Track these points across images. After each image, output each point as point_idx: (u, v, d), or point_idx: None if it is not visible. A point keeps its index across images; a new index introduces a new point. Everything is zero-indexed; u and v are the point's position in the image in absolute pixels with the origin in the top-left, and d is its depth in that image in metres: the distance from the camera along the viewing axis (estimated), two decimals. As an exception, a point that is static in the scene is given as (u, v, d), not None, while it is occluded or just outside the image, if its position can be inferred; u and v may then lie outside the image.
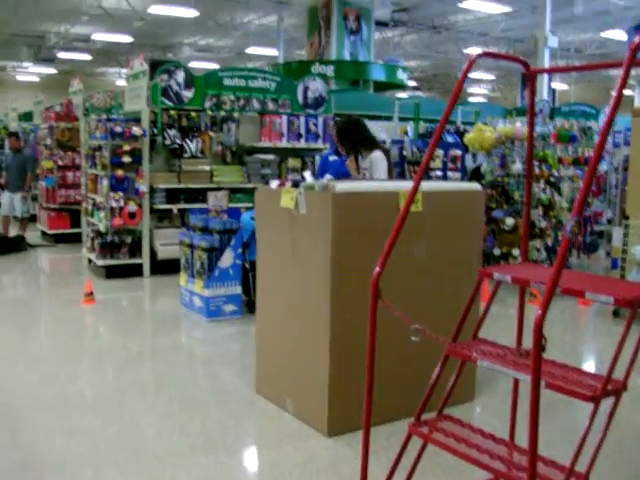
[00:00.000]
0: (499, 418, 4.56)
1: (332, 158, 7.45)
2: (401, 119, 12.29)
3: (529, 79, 3.37)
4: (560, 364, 2.90)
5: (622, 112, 8.78)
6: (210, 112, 9.75)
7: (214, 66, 26.12)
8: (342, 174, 6.38)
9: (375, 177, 5.76)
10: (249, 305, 7.36)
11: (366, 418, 3.10)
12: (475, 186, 5.07)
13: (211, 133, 9.68)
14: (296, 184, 4.49)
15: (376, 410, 4.35)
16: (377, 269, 2.87)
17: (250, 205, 8.79)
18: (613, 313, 7.66)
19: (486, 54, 3.05)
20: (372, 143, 6.08)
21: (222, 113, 9.79)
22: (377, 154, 5.95)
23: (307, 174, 4.50)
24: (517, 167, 9.34)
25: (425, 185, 4.81)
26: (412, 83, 31.96)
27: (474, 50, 24.40)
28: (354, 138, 5.99)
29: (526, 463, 2.60)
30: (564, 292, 2.81)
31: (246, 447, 4.47)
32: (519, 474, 2.67)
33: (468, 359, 2.86)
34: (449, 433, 2.99)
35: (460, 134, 10.68)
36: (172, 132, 9.48)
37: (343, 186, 4.26)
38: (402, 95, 21.74)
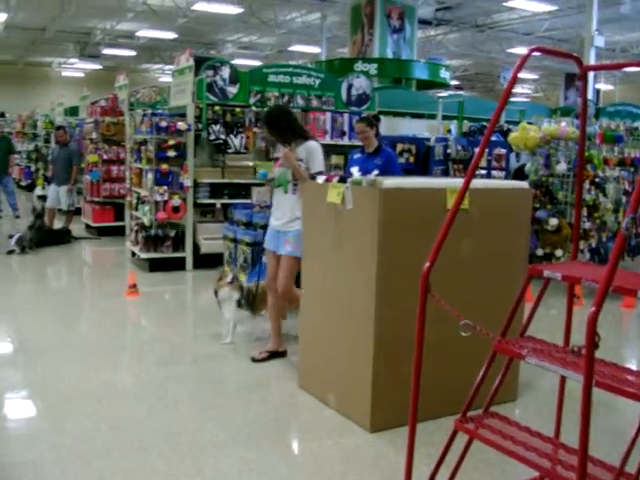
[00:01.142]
0: (542, 418, 4.53)
1: (356, 156, 7.44)
2: (444, 117, 12.24)
3: (582, 76, 3.34)
4: (609, 363, 2.87)
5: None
6: (254, 108, 9.80)
7: (256, 63, 26.23)
8: (364, 171, 6.31)
9: (314, 167, 5.52)
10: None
11: (412, 414, 3.10)
12: (522, 184, 5.05)
13: (255, 129, 9.73)
14: (343, 179, 4.50)
15: (419, 407, 4.37)
16: (427, 264, 2.87)
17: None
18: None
19: (539, 49, 3.03)
20: (303, 132, 5.79)
21: (266, 109, 9.81)
22: (314, 143, 5.68)
23: (354, 170, 4.50)
24: (562, 167, 9.25)
25: (472, 183, 4.77)
26: (454, 82, 31.76)
27: (518, 50, 24.18)
28: (283, 127, 5.63)
29: (574, 462, 2.59)
30: (615, 291, 2.77)
31: (288, 441, 4.49)
32: (568, 473, 2.65)
33: (517, 356, 2.84)
34: (495, 430, 2.98)
35: (504, 133, 10.60)
36: (216, 127, 9.56)
37: (390, 182, 4.26)
38: (443, 94, 21.61)
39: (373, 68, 16.44)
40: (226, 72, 9.66)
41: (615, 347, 6.96)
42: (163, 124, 9.24)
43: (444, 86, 20.00)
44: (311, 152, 5.60)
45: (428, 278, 2.86)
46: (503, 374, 3.12)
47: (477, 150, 7.59)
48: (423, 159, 8.00)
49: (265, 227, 7.17)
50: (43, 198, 14.84)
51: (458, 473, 3.30)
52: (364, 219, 4.30)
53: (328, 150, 10.06)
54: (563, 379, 3.41)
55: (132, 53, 29.50)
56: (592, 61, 17.45)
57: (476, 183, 4.69)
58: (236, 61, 26.47)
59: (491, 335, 2.85)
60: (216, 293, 6.26)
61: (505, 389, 4.88)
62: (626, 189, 10.12)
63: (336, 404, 4.77)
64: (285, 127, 5.63)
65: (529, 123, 10.14)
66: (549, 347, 2.98)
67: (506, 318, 3.09)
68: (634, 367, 2.73)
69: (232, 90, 9.72)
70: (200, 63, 9.82)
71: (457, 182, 4.51)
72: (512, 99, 30.58)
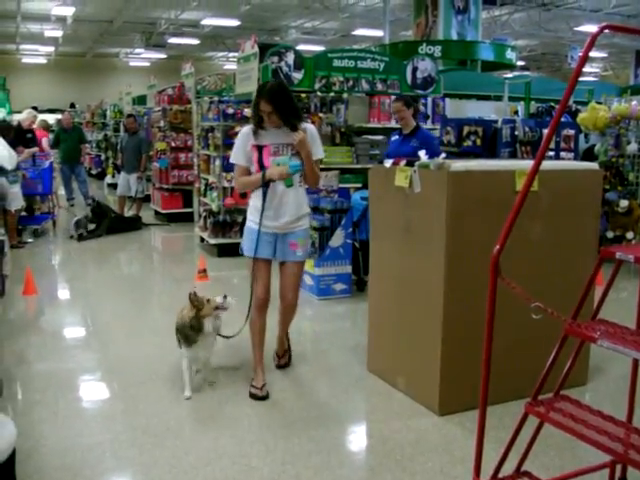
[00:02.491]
0: (612, 402, 4.48)
1: (394, 138, 7.37)
2: (510, 99, 12.06)
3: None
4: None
5: None
6: (319, 93, 9.81)
7: (320, 48, 26.20)
8: (397, 153, 6.17)
9: (317, 153, 4.81)
10: (358, 284, 7.43)
11: (482, 397, 3.11)
12: (592, 166, 4.97)
13: (321, 114, 9.73)
14: (410, 163, 4.50)
15: (488, 390, 4.37)
16: (497, 247, 2.86)
17: (359, 185, 8.82)
18: None
19: (610, 27, 2.97)
20: (301, 113, 4.93)
21: (331, 94, 9.84)
22: (312, 126, 4.96)
23: (422, 153, 4.49)
24: (632, 147, 9.07)
25: (542, 164, 4.74)
26: (520, 62, 31.22)
27: (587, 27, 23.62)
28: (290, 105, 4.67)
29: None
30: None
31: (357, 423, 4.54)
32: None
33: (589, 339, 2.82)
34: (567, 413, 2.97)
35: (572, 114, 10.40)
36: (282, 113, 9.59)
37: (458, 165, 4.26)
38: (509, 75, 21.25)
39: (437, 50, 16.25)
40: (291, 58, 9.70)
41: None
42: (230, 111, 9.35)
43: (510, 67, 19.66)
44: (314, 136, 4.83)
45: (498, 261, 2.86)
46: (574, 357, 3.11)
47: (545, 131, 7.47)
48: (490, 141, 7.90)
49: (332, 212, 7.24)
50: (113, 186, 15.16)
51: (528, 457, 3.30)
52: (432, 202, 4.30)
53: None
54: (636, 363, 3.37)
55: (196, 42, 29.77)
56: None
57: (545, 165, 4.63)
58: (300, 47, 26.43)
59: (562, 318, 2.84)
60: (193, 327, 4.78)
61: (575, 373, 4.81)
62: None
63: (405, 387, 4.79)
64: (292, 105, 4.69)
65: (598, 103, 9.94)
66: (622, 330, 2.95)
67: (578, 301, 3.07)
68: None
69: (297, 76, 9.75)
70: (264, 50, 9.87)
71: (526, 164, 4.47)
72: (580, 78, 30.00)
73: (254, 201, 4.82)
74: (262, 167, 4.67)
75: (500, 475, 3.18)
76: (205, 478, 3.73)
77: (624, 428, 2.93)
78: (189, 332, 4.74)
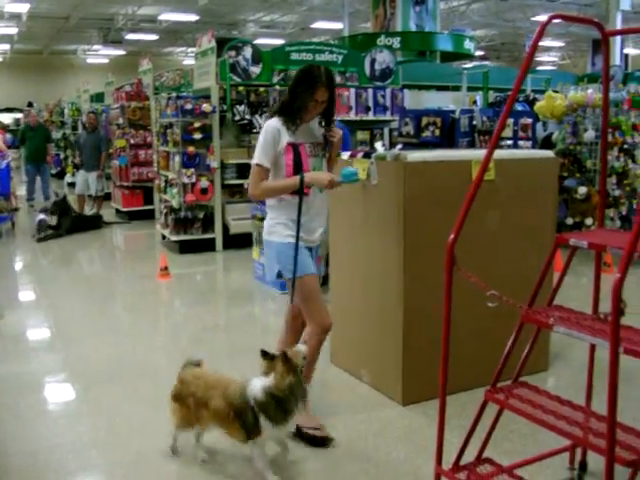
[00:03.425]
0: (573, 387, 4.53)
1: None
2: (469, 89, 12.14)
3: (603, 42, 3.31)
4: (638, 330, 2.86)
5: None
6: (278, 87, 9.79)
7: (279, 42, 26.12)
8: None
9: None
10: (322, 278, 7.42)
11: (442, 386, 3.13)
12: (548, 154, 5.02)
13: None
14: (368, 155, 4.50)
15: (449, 379, 4.39)
16: (452, 236, 2.88)
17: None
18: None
19: (558, 16, 3.00)
20: None
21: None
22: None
23: (378, 145, 4.49)
24: (589, 135, 9.16)
25: (498, 153, 4.77)
26: (479, 52, 31.42)
27: (543, 17, 23.82)
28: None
29: (605, 430, 2.60)
30: (642, 257, 2.78)
31: (322, 416, 4.52)
32: (598, 441, 2.67)
33: (544, 325, 2.85)
34: (525, 399, 3.00)
35: (530, 102, 10.50)
36: (241, 108, 9.58)
37: (414, 155, 4.27)
38: (468, 65, 21.39)
39: (396, 42, 16.31)
40: (248, 52, 9.66)
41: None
42: (188, 107, 9.29)
43: (469, 57, 19.82)
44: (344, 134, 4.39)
45: (453, 250, 2.88)
46: (532, 344, 3.14)
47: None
48: (449, 131, 7.97)
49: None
50: (73, 185, 14.99)
51: (489, 444, 3.33)
52: (390, 194, 4.31)
53: (353, 126, 10.07)
54: (593, 347, 3.41)
55: (155, 37, 29.52)
56: (618, 25, 17.17)
57: (502, 153, 4.70)
58: (259, 41, 26.40)
59: (518, 305, 2.87)
60: (296, 396, 3.51)
61: (536, 359, 4.90)
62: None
63: (368, 379, 4.81)
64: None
65: (555, 91, 10.03)
66: (576, 315, 2.98)
67: (533, 288, 3.10)
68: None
69: (255, 70, 9.73)
70: (223, 44, 9.84)
71: (482, 153, 4.48)
72: (539, 67, 30.26)
73: (282, 211, 4.01)
74: (297, 170, 3.92)
75: (462, 462, 3.21)
76: (169, 476, 3.71)
77: (582, 412, 2.97)
78: (290, 404, 3.49)
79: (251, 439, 3.49)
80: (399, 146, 4.34)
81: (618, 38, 20.04)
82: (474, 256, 4.32)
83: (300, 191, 3.87)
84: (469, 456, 3.23)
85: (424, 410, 4.39)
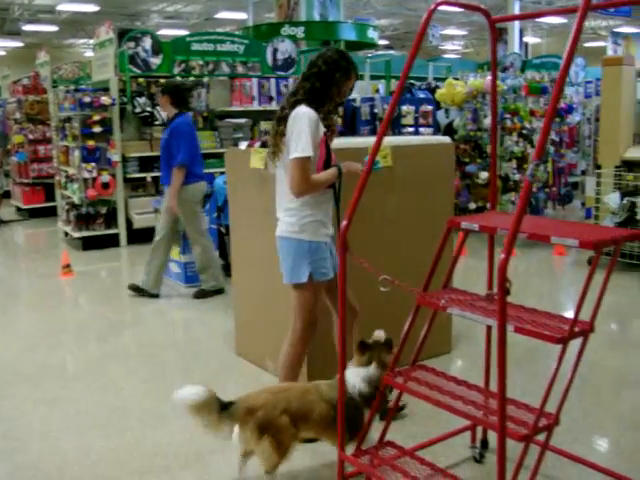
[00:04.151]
0: (476, 368, 4.61)
1: None
2: (373, 77, 12.23)
3: (490, 28, 3.38)
4: (529, 309, 2.94)
5: (594, 63, 8.82)
6: (179, 78, 9.65)
7: (184, 33, 25.77)
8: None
9: None
10: (227, 268, 7.36)
11: (340, 371, 3.14)
12: (444, 139, 5.10)
13: (182, 99, 9.58)
14: (265, 144, 4.47)
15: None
16: (344, 222, 2.88)
17: (223, 170, 8.74)
18: (588, 261, 7.74)
19: (445, 3, 3.04)
20: None
21: (191, 79, 9.71)
22: None
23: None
24: (489, 121, 9.35)
25: (395, 140, 4.84)
26: (384, 42, 31.75)
27: (444, 7, 24.16)
28: None
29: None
30: (530, 237, 2.85)
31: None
32: (492, 418, 2.72)
33: (437, 307, 2.89)
34: (423, 382, 3.04)
35: (432, 90, 10.66)
36: (142, 100, 9.39)
37: (311, 144, 4.25)
38: (371, 54, 21.54)
39: (300, 31, 16.26)
40: (148, 43, 9.48)
41: (547, 292, 7.14)
42: (86, 99, 9.06)
43: (373, 46, 19.92)
44: None
45: (346, 237, 2.88)
46: (428, 327, 3.18)
47: (404, 108, 7.56)
48: (350, 120, 8.02)
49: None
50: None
51: (395, 427, 3.38)
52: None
53: (256, 117, 10.03)
54: (490, 328, 3.48)
55: (54, 28, 28.68)
56: (516, 13, 17.60)
57: (399, 140, 4.76)
58: (163, 31, 26.00)
59: (410, 289, 2.89)
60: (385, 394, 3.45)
61: (439, 342, 5.00)
62: (553, 139, 10.31)
63: (273, 368, 4.79)
64: None
65: (455, 79, 10.22)
66: (470, 297, 3.04)
67: (427, 272, 3.14)
68: (562, 310, 2.80)
69: (155, 61, 9.55)
70: (125, 35, 9.63)
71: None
72: (444, 56, 30.79)
73: (321, 207, 3.76)
74: (328, 163, 3.73)
75: (364, 447, 3.23)
76: (72, 478, 3.62)
77: (479, 392, 3.02)
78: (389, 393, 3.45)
79: (353, 439, 3.28)
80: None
81: (517, 27, 20.59)
82: (374, 241, 4.38)
83: (339, 184, 3.73)
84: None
85: (329, 397, 4.40)
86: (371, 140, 4.71)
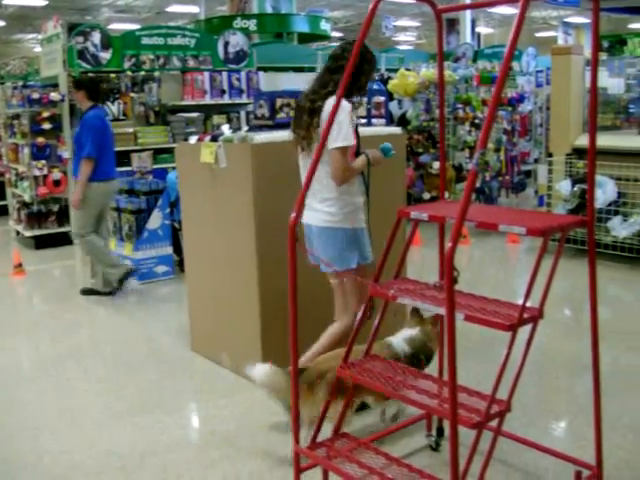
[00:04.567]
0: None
1: None
2: (326, 69, 12.19)
3: (436, 18, 3.40)
4: (479, 297, 2.96)
5: (546, 52, 8.91)
6: (130, 73, 9.52)
7: (135, 27, 25.45)
8: None
9: None
10: (181, 264, 7.31)
11: (294, 366, 3.13)
12: (396, 130, 5.11)
13: (132, 94, 9.46)
14: (215, 138, 4.45)
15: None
16: (293, 214, 2.87)
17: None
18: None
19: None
20: None
21: (142, 73, 9.58)
22: None
23: (225, 127, 4.45)
24: (441, 111, 9.40)
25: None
26: (338, 34, 31.74)
27: (396, -2, 24.28)
28: None
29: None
30: (479, 226, 2.87)
31: (183, 404, 4.47)
32: (445, 406, 2.73)
33: (386, 297, 2.90)
34: (376, 372, 3.04)
35: (384, 81, 10.68)
36: (92, 95, 9.24)
37: (261, 137, 4.25)
38: (327, 45, 21.50)
39: (253, 24, 16.15)
40: (97, 37, 9.33)
41: (504, 280, 7.22)
42: (35, 96, 8.90)
43: (326, 38, 19.90)
44: None
45: (295, 228, 2.87)
46: (381, 316, 3.18)
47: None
48: (303, 112, 8.01)
49: (147, 193, 7.08)
50: None
51: (353, 419, 3.38)
52: (238, 176, 4.27)
53: (209, 111, 9.96)
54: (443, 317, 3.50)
55: (1, 23, 28.15)
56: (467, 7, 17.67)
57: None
58: (114, 26, 25.67)
59: (361, 279, 2.89)
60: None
61: (393, 332, 5.01)
62: (505, 128, 10.40)
63: (229, 363, 4.78)
64: None
65: (407, 70, 10.24)
66: (421, 286, 3.05)
67: (379, 263, 3.14)
68: (514, 297, 2.82)
69: (105, 56, 9.41)
70: (74, 30, 9.47)
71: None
72: (397, 46, 30.91)
73: (359, 195, 3.90)
74: (357, 152, 3.84)
75: (319, 440, 3.23)
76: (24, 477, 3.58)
77: (432, 381, 3.03)
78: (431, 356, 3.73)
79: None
80: (245, 128, 4.31)
81: (468, 17, 20.74)
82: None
83: (368, 171, 3.88)
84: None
85: (286, 390, 4.40)
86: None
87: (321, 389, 3.48)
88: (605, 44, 32.91)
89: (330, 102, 3.61)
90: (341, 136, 3.59)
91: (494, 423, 2.79)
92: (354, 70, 3.42)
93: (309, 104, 3.75)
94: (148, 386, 4.68)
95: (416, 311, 3.75)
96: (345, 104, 3.62)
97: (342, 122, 3.58)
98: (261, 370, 3.66)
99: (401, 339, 3.67)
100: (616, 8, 19.45)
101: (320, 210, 3.78)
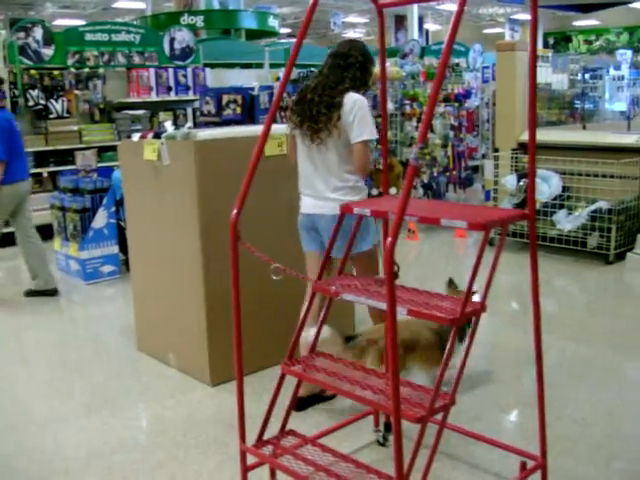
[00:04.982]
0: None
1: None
2: (273, 66, 12.17)
3: (377, 13, 3.39)
4: (422, 291, 2.97)
5: (493, 48, 9.00)
6: (74, 69, 9.37)
7: (81, 23, 25.07)
8: None
9: None
10: (128, 264, 7.20)
11: (238, 363, 3.11)
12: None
13: (76, 91, 9.32)
14: (158, 135, 4.39)
15: (260, 354, 4.41)
16: (234, 211, 2.85)
17: (122, 162, 8.57)
18: (489, 242, 7.91)
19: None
20: None
21: (86, 70, 9.44)
22: None
23: (167, 124, 4.40)
24: (388, 107, 9.45)
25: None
26: (286, 30, 31.68)
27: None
28: None
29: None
30: (421, 221, 2.88)
31: (130, 405, 4.41)
32: (390, 402, 2.73)
33: (328, 293, 2.89)
34: (321, 369, 3.04)
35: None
36: (35, 92, 9.08)
37: (204, 133, 4.21)
38: (275, 42, 21.45)
39: (200, 20, 16.03)
40: (39, 33, 9.15)
41: (452, 274, 7.26)
42: (-26, 93, 8.70)
43: (274, 34, 19.86)
44: None
45: (237, 226, 2.85)
46: (324, 314, 3.18)
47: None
48: (249, 108, 7.95)
49: (92, 192, 6.98)
50: None
51: (300, 416, 3.37)
52: (182, 174, 4.23)
53: (155, 108, 9.86)
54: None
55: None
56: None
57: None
58: (58, 22, 25.24)
59: (303, 276, 2.88)
60: None
61: (342, 328, 5.00)
62: (452, 124, 10.48)
63: (176, 362, 4.73)
64: None
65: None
66: (365, 282, 3.05)
67: (322, 261, 3.13)
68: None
69: (48, 52, 9.24)
70: (15, 25, 9.27)
71: (275, 129, 4.47)
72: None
73: (360, 183, 4.14)
74: None
75: (265, 437, 3.21)
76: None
77: (376, 376, 3.04)
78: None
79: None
80: (188, 124, 4.27)
81: (416, 14, 20.89)
82: (272, 230, 4.37)
83: None
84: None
85: (234, 389, 4.32)
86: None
87: (370, 354, 3.77)
88: (551, 41, 33.46)
89: (349, 97, 3.83)
90: (367, 130, 3.81)
91: (440, 417, 2.80)
92: (363, 68, 4.00)
93: (328, 99, 3.86)
94: (94, 387, 4.61)
95: (452, 282, 4.34)
96: (364, 99, 3.88)
97: (366, 116, 3.82)
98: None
99: None
100: (561, 6, 19.78)
101: (336, 199, 3.84)
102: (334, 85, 3.90)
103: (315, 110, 3.87)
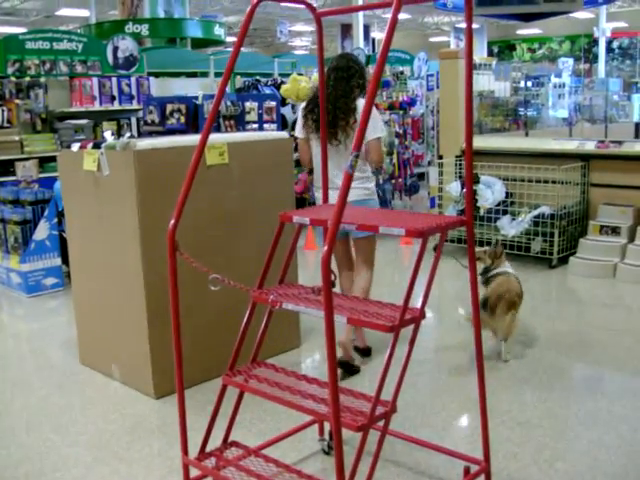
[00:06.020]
0: (324, 361, 4.67)
1: None
2: (217, 74, 12.12)
3: (316, 22, 3.41)
4: (362, 299, 2.98)
5: (437, 57, 9.09)
6: (14, 78, 9.20)
7: (22, 31, 24.66)
8: None
9: None
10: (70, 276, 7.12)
11: (178, 376, 3.08)
12: (282, 134, 5.12)
13: (17, 101, 9.14)
14: (97, 145, 4.34)
15: (203, 365, 4.39)
16: (172, 222, 2.82)
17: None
18: (433, 249, 7.95)
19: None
20: None
21: (27, 79, 9.27)
22: None
23: (107, 134, 4.35)
24: (335, 115, 9.47)
25: (232, 137, 4.81)
26: (233, 39, 31.62)
27: (290, 3, 24.29)
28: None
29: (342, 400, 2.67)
30: (359, 228, 2.90)
31: (72, 420, 4.33)
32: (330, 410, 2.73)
33: (266, 302, 2.88)
34: (262, 379, 3.02)
35: (277, 86, 10.68)
36: (-25, 102, 8.90)
37: (144, 143, 4.17)
38: (219, 50, 21.37)
39: (145, 29, 15.90)
40: (-24, 42, 8.99)
41: (398, 282, 7.32)
42: None
43: (220, 43, 19.79)
44: None
45: (174, 236, 2.82)
46: (265, 323, 3.16)
47: (248, 104, 7.50)
48: (193, 117, 7.92)
49: (33, 203, 6.87)
50: None
51: (244, 427, 3.35)
52: (122, 184, 4.17)
53: (98, 117, 9.74)
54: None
55: None
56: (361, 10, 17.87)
57: (235, 137, 4.73)
58: (-1, 30, 24.82)
59: (242, 286, 2.87)
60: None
61: (288, 337, 5.03)
62: (397, 131, 10.56)
63: (120, 375, 4.67)
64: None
65: (299, 74, 10.27)
66: (305, 290, 3.04)
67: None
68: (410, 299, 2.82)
69: (-14, 61, 9.08)
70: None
71: (216, 138, 4.46)
72: (294, 52, 31.04)
73: (371, 175, 4.91)
74: None
75: (208, 449, 3.19)
76: None
77: (318, 385, 3.03)
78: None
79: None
80: (128, 134, 4.23)
81: (361, 22, 20.98)
82: (214, 240, 4.35)
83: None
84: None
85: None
86: (212, 137, 4.67)
87: (499, 307, 4.80)
88: (495, 49, 33.99)
89: (360, 103, 4.58)
90: (378, 129, 4.61)
91: (382, 424, 2.81)
92: (363, 76, 4.74)
93: (344, 106, 4.57)
94: (35, 403, 4.51)
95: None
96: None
97: (375, 117, 4.57)
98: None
99: (510, 268, 5.12)
100: (504, 15, 20.08)
101: (356, 187, 4.46)
102: (345, 94, 4.59)
103: (332, 116, 4.50)
